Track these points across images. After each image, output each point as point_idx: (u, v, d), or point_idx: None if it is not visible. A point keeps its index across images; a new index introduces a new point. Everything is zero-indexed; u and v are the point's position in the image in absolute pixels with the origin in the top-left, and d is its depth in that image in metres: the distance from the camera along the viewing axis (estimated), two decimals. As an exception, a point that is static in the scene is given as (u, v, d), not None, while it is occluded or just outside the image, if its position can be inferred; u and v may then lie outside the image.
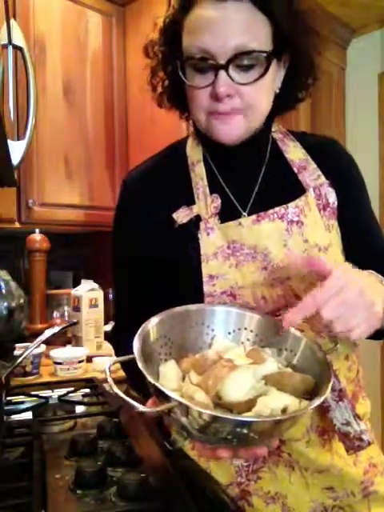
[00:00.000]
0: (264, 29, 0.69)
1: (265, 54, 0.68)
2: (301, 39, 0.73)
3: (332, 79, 2.44)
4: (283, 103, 0.80)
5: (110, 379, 0.55)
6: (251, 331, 0.68)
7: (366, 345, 0.85)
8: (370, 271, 0.71)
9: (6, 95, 1.03)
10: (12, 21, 1.04)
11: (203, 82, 0.70)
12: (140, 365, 0.54)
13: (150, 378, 0.53)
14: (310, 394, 0.57)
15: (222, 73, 0.68)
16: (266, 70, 0.69)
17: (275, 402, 0.54)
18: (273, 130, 0.83)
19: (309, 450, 0.76)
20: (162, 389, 0.52)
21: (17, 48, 1.07)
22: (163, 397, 0.52)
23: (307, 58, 0.75)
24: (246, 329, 0.68)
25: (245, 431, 0.49)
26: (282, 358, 0.65)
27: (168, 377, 0.60)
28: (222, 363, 0.59)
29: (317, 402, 0.53)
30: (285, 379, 0.58)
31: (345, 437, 0.72)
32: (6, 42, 1.01)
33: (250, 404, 0.54)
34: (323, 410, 0.74)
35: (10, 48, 1.03)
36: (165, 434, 0.86)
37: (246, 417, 0.52)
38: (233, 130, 0.73)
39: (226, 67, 0.68)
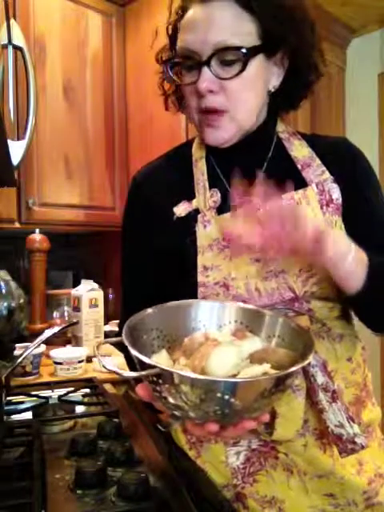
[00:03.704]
0: (248, 26, 0.70)
1: (244, 50, 0.69)
2: (291, 36, 0.72)
3: (332, 79, 2.44)
4: (283, 102, 0.80)
5: (98, 355, 0.58)
6: (241, 323, 0.69)
7: (365, 346, 0.84)
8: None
9: (5, 95, 1.03)
10: (12, 21, 1.04)
11: (189, 79, 0.73)
12: (126, 342, 0.56)
13: (132, 350, 0.55)
14: None
15: (205, 68, 0.70)
16: (244, 64, 0.70)
17: (255, 371, 0.56)
18: (280, 129, 0.84)
19: (307, 453, 0.75)
20: (141, 357, 0.54)
21: (17, 48, 1.07)
22: (147, 367, 0.54)
23: (301, 55, 0.75)
24: (235, 321, 0.69)
25: (226, 396, 0.50)
26: (265, 341, 0.66)
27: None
28: (207, 343, 0.60)
29: (300, 365, 0.54)
30: (269, 355, 0.60)
31: (338, 439, 0.71)
32: (5, 42, 1.01)
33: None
34: (318, 412, 0.73)
35: (10, 48, 1.03)
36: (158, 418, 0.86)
37: (222, 377, 0.53)
38: (220, 132, 0.74)
39: (207, 63, 0.70)
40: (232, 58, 0.70)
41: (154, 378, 0.53)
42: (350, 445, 0.71)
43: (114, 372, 0.55)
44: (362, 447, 0.71)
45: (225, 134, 0.75)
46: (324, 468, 0.75)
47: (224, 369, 0.56)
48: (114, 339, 0.61)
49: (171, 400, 0.53)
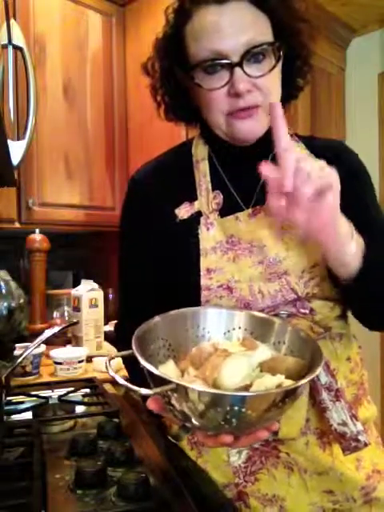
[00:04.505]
0: (265, 23, 0.72)
1: (275, 44, 0.71)
2: (295, 28, 0.75)
3: (332, 79, 2.44)
4: (284, 94, 0.80)
5: (110, 370, 0.57)
6: (245, 329, 0.69)
7: (365, 346, 0.85)
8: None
9: (5, 95, 1.03)
10: (12, 21, 1.04)
11: (218, 82, 0.71)
12: (138, 355, 0.55)
13: (146, 365, 0.54)
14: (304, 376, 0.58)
15: (238, 70, 0.69)
16: (278, 59, 0.72)
17: (270, 381, 0.56)
18: None
19: (308, 451, 0.75)
20: (157, 372, 0.53)
21: (17, 48, 1.07)
22: (161, 382, 0.53)
23: (300, 45, 0.77)
24: (239, 328, 0.69)
25: (243, 409, 0.50)
26: (273, 348, 0.66)
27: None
28: (217, 354, 0.60)
29: (310, 376, 0.54)
30: (278, 364, 0.60)
31: (341, 437, 0.72)
32: (6, 42, 1.01)
33: (246, 389, 0.55)
34: (320, 411, 0.73)
35: (10, 48, 1.03)
36: (167, 431, 0.86)
37: (240, 391, 0.54)
38: (256, 125, 0.74)
39: (240, 64, 0.69)
40: (263, 54, 0.71)
41: (169, 392, 0.52)
42: (354, 442, 0.71)
43: (130, 388, 0.54)
44: (365, 445, 0.72)
45: (261, 126, 0.74)
46: (324, 465, 0.76)
47: (237, 380, 0.56)
48: (124, 352, 0.60)
49: (186, 413, 0.53)
